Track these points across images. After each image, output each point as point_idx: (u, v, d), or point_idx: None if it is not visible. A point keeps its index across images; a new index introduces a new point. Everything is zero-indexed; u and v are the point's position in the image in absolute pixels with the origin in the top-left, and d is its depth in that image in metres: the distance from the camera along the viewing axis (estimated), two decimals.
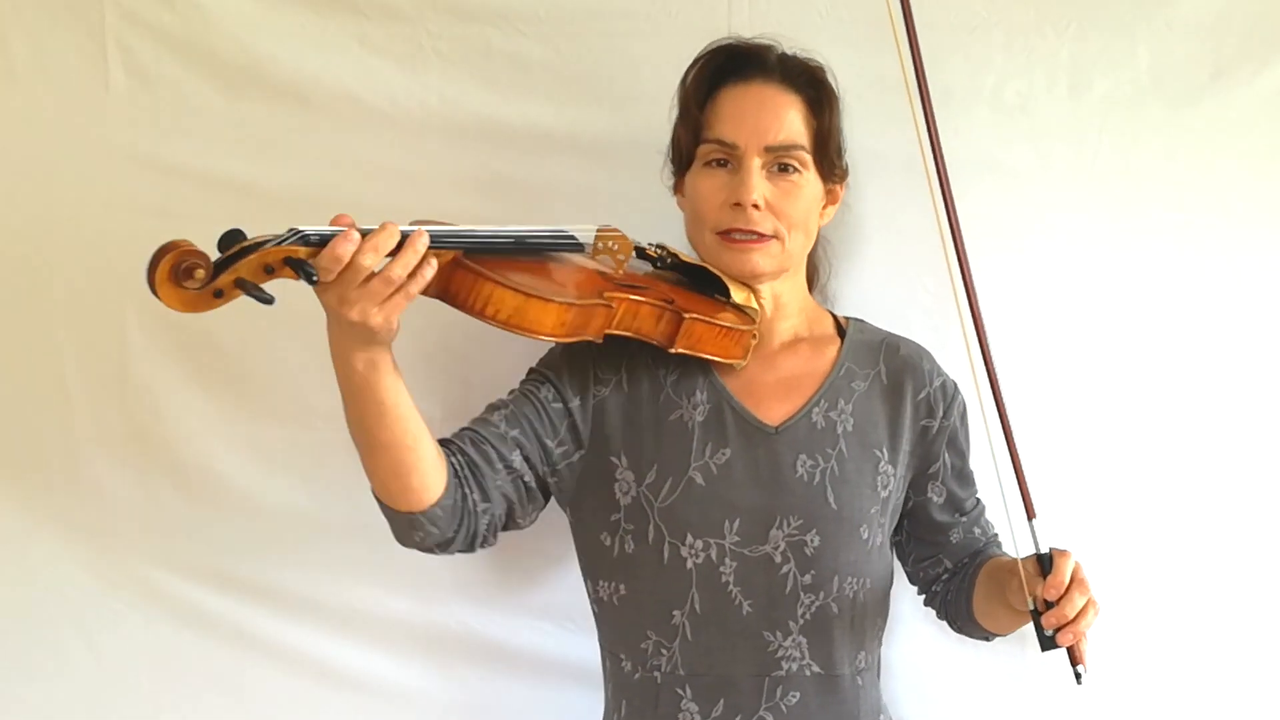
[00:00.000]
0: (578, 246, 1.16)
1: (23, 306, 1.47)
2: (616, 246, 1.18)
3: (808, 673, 1.22)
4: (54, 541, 1.50)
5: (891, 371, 1.29)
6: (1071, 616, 1.04)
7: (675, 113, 1.27)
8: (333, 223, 0.99)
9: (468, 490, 1.15)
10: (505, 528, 1.23)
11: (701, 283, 1.26)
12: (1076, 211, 1.46)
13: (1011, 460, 1.12)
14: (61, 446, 1.49)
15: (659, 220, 1.37)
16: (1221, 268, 1.46)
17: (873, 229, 1.45)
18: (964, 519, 1.31)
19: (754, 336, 1.24)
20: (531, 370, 1.29)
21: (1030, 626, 1.09)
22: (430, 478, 1.11)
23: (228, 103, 1.45)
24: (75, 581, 1.51)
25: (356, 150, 1.45)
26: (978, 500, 1.33)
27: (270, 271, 0.96)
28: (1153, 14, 1.43)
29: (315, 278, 0.97)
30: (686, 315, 1.17)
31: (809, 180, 1.24)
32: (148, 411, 1.48)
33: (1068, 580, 1.05)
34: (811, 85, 1.25)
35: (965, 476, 1.32)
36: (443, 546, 1.17)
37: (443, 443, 1.16)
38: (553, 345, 1.28)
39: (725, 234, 1.22)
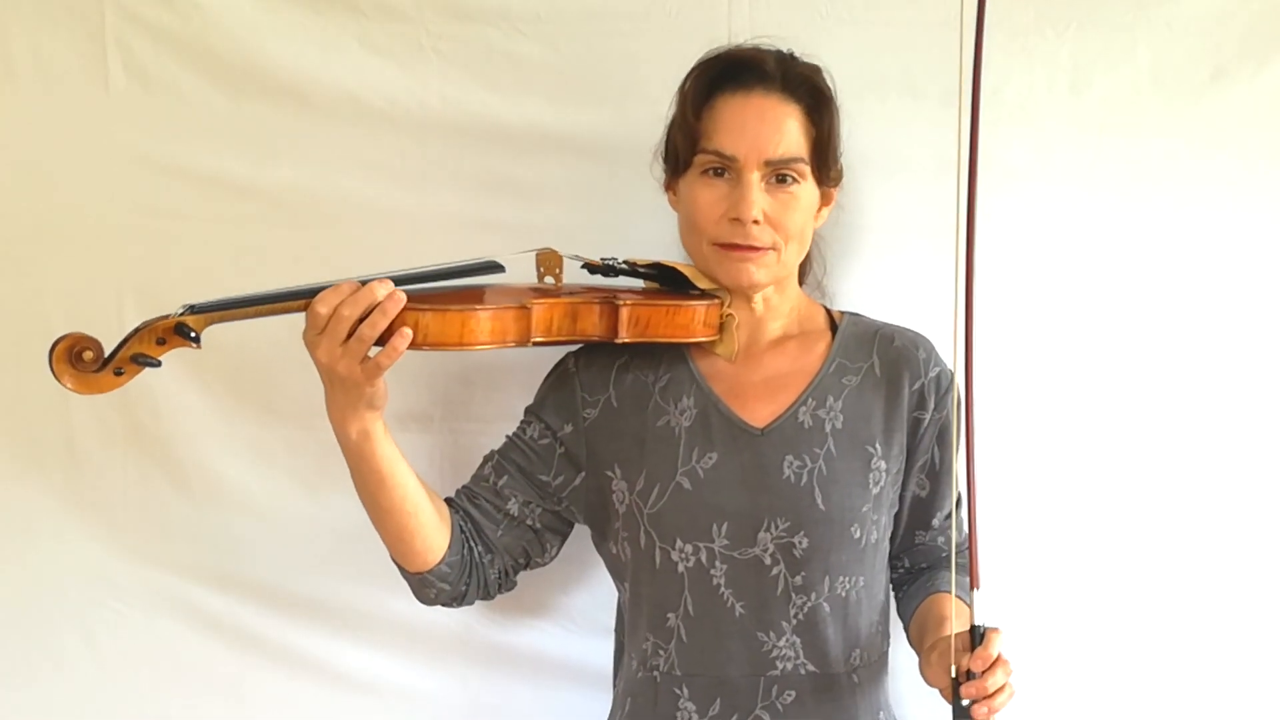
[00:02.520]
0: (498, 268, 1.20)
1: (23, 306, 1.47)
2: (551, 263, 1.24)
3: (802, 671, 1.22)
4: (54, 541, 1.51)
5: (886, 363, 1.27)
6: (991, 691, 1.05)
7: (671, 114, 1.26)
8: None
9: (473, 544, 1.25)
10: (528, 567, 1.31)
11: (664, 281, 1.26)
12: (1076, 211, 1.45)
13: (969, 529, 1.12)
14: (61, 446, 1.50)
15: (658, 219, 1.37)
16: (1223, 268, 1.46)
17: (868, 229, 1.45)
18: (934, 525, 1.31)
19: (728, 314, 1.24)
20: (525, 410, 1.31)
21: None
22: (432, 540, 1.20)
23: (228, 103, 1.45)
24: (75, 581, 1.51)
25: (356, 150, 1.46)
26: (956, 498, 1.32)
27: (162, 343, 1.08)
28: (1153, 14, 1.43)
29: (195, 334, 1.07)
30: (622, 303, 1.19)
31: (806, 190, 1.22)
32: (147, 411, 1.49)
33: (995, 656, 1.06)
34: (810, 93, 1.23)
35: (948, 470, 1.29)
36: (458, 600, 1.26)
37: (448, 502, 1.26)
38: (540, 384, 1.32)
39: (724, 246, 1.21)
